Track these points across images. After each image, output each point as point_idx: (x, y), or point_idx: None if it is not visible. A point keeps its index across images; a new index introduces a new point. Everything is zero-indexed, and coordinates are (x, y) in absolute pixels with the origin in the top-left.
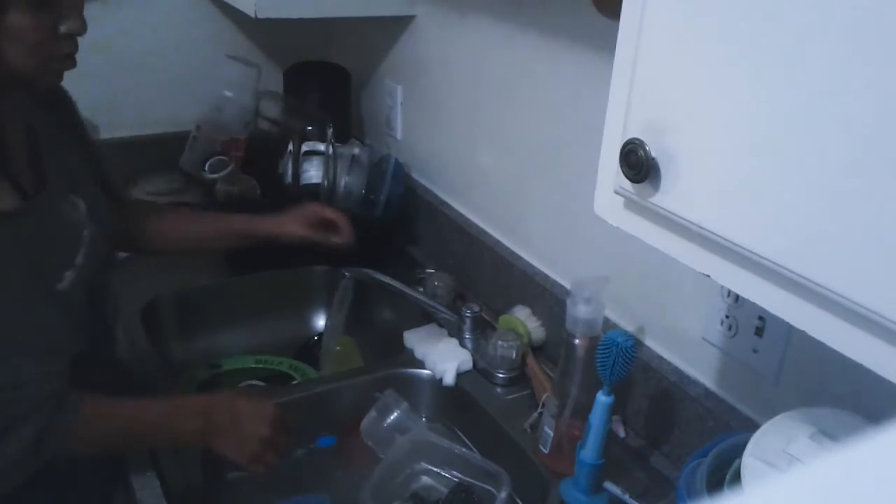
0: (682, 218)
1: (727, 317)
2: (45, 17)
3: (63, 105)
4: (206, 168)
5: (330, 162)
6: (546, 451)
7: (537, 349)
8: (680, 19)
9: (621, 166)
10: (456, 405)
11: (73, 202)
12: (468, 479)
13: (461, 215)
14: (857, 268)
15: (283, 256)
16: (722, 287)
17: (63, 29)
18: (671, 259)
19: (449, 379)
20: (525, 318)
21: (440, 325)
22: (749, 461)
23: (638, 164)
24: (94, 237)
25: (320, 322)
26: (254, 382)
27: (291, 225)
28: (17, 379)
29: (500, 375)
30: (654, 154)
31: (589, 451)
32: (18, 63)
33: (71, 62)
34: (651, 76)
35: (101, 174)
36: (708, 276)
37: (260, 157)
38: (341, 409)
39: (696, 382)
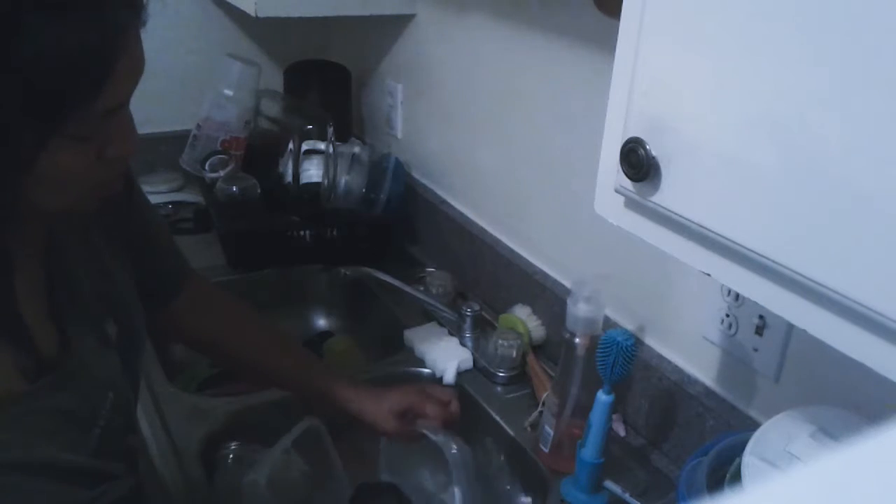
0: (682, 216)
1: (727, 315)
2: (89, 147)
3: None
4: (206, 167)
5: (330, 161)
6: (546, 450)
7: (537, 348)
8: (681, 17)
9: (622, 165)
10: None
11: (103, 333)
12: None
13: (461, 214)
14: (858, 266)
15: (282, 255)
16: (722, 286)
17: (110, 154)
18: (671, 258)
19: (449, 378)
20: (525, 317)
21: (440, 324)
22: (749, 460)
23: (638, 163)
24: (119, 396)
25: (320, 321)
26: None
27: (385, 414)
28: None
29: (501, 374)
30: (654, 153)
31: (589, 450)
32: (54, 202)
33: (118, 184)
34: (652, 74)
35: (156, 263)
36: (708, 274)
37: (260, 156)
38: None
39: (697, 381)
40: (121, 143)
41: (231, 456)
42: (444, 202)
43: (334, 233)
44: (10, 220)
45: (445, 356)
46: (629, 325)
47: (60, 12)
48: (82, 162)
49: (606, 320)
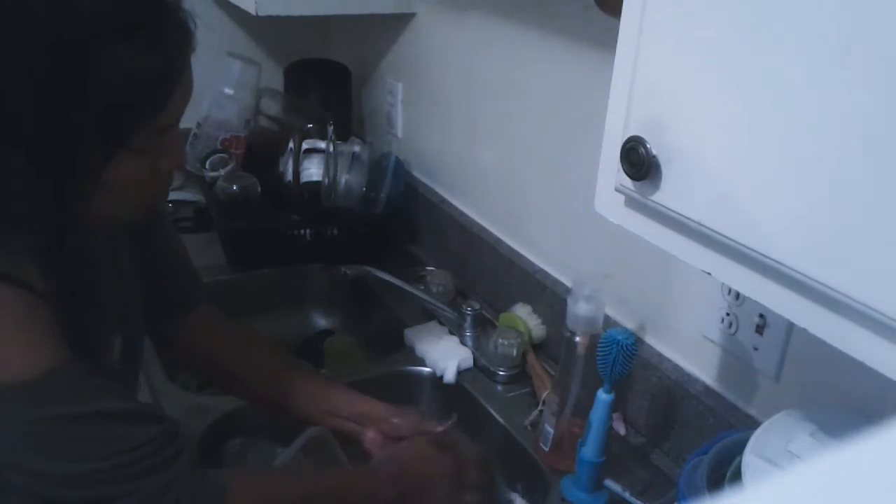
0: (682, 215)
1: (728, 314)
2: (146, 160)
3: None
4: (207, 166)
5: (330, 160)
6: (547, 449)
7: (538, 347)
8: (681, 17)
9: (622, 164)
10: (456, 403)
11: (109, 346)
12: None
13: (462, 213)
14: (858, 265)
15: (282, 254)
16: (723, 285)
17: (163, 167)
18: (672, 257)
19: (449, 377)
20: (525, 316)
21: (441, 323)
22: (750, 459)
23: (639, 162)
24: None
25: (320, 320)
26: None
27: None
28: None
29: (501, 373)
30: (654, 152)
31: (589, 449)
32: (111, 210)
33: (165, 195)
34: (652, 73)
35: (169, 283)
36: (709, 273)
37: (260, 155)
38: None
39: (697, 380)
40: (172, 156)
41: (235, 451)
42: (444, 201)
43: (334, 231)
44: (82, 226)
45: (446, 355)
46: (629, 324)
47: (129, 41)
48: (140, 174)
49: (607, 319)
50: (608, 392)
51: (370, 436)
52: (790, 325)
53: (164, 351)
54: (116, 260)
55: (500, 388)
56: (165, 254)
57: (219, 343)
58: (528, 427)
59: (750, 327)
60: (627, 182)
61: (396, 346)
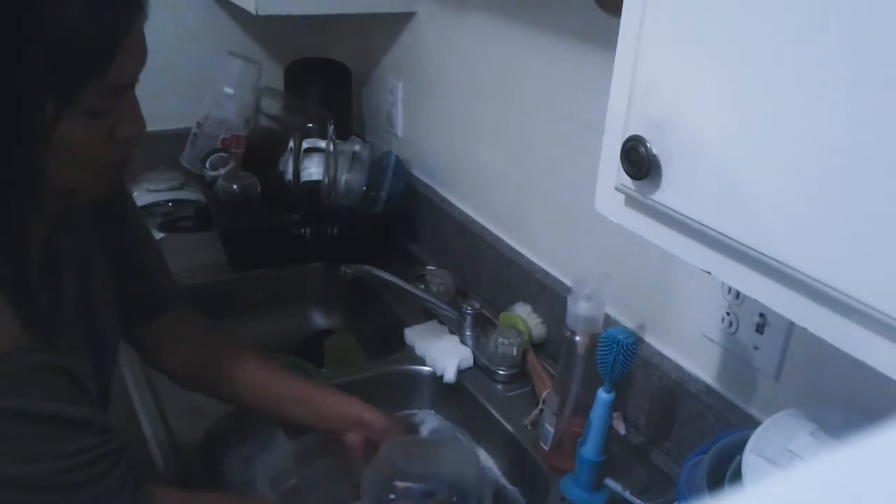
0: (683, 215)
1: (728, 314)
2: (101, 125)
3: (108, 199)
4: (207, 165)
5: (331, 159)
6: (547, 448)
7: (538, 346)
8: (681, 16)
9: (622, 163)
10: (456, 402)
11: (75, 337)
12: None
13: (462, 212)
14: (858, 264)
15: (282, 254)
16: (723, 284)
17: (121, 134)
18: (672, 256)
19: (449, 376)
20: (526, 316)
21: (441, 322)
22: (750, 458)
23: (639, 161)
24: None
25: (320, 319)
26: None
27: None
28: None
29: (501, 372)
30: (655, 151)
31: (590, 448)
32: (67, 180)
33: (123, 170)
34: (652, 73)
35: (140, 284)
36: (709, 272)
37: (261, 155)
38: None
39: (697, 379)
40: (130, 123)
41: (243, 455)
42: (444, 200)
43: (334, 231)
44: (31, 193)
45: (446, 354)
46: (630, 324)
47: None
48: (95, 139)
49: (607, 318)
50: (608, 391)
51: (350, 440)
52: (790, 325)
53: (142, 356)
54: (81, 249)
55: (500, 387)
56: (135, 253)
57: (199, 347)
58: (529, 426)
59: (750, 326)
60: (627, 181)
61: (396, 346)
